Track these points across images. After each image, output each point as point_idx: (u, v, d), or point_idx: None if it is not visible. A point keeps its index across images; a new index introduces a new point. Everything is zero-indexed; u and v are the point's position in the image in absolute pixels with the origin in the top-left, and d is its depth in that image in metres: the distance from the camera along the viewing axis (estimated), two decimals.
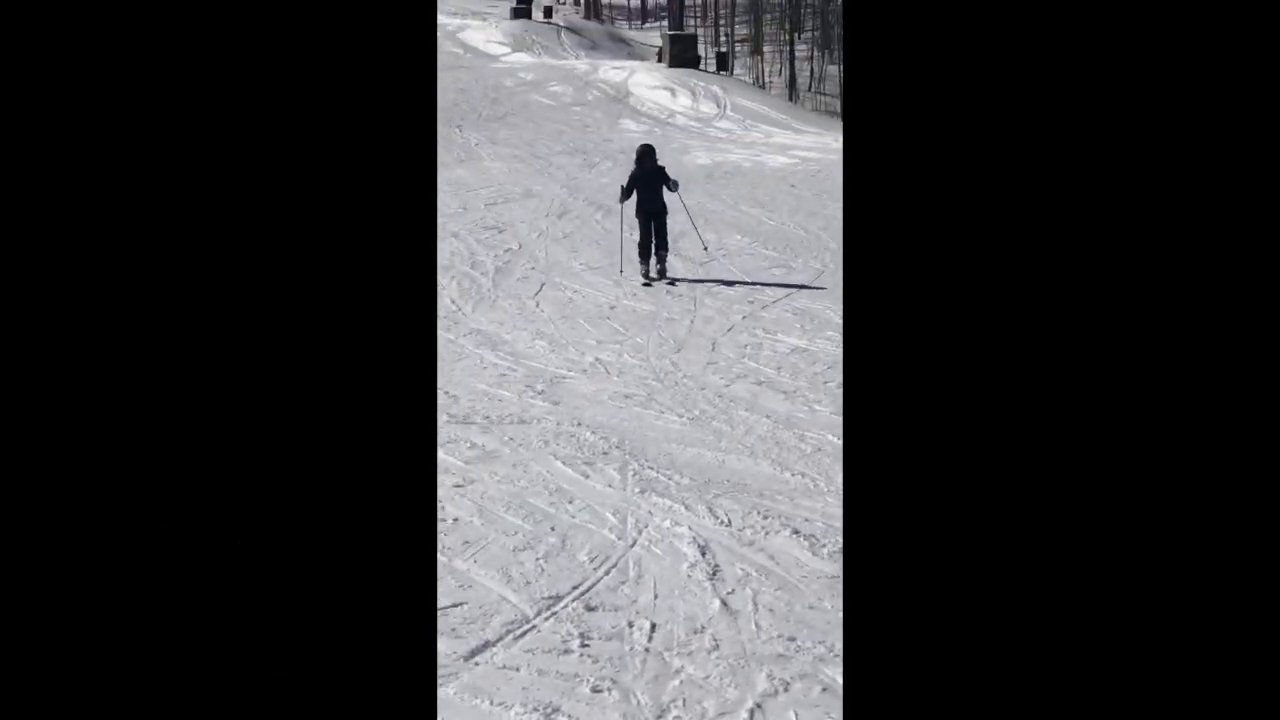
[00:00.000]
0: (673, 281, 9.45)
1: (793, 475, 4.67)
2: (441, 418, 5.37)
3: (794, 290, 8.74)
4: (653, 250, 10.03)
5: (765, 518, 4.11)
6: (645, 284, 9.54)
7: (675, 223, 10.25)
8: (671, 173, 10.48)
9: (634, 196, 10.21)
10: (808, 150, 20.34)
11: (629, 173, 10.51)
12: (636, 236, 10.04)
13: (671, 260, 9.98)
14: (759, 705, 2.81)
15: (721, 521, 4.07)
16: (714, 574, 3.60)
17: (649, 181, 10.14)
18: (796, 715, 2.76)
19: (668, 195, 10.13)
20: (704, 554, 3.76)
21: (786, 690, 2.89)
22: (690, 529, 3.98)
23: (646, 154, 10.52)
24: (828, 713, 2.78)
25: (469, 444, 4.98)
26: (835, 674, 2.96)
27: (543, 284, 9.26)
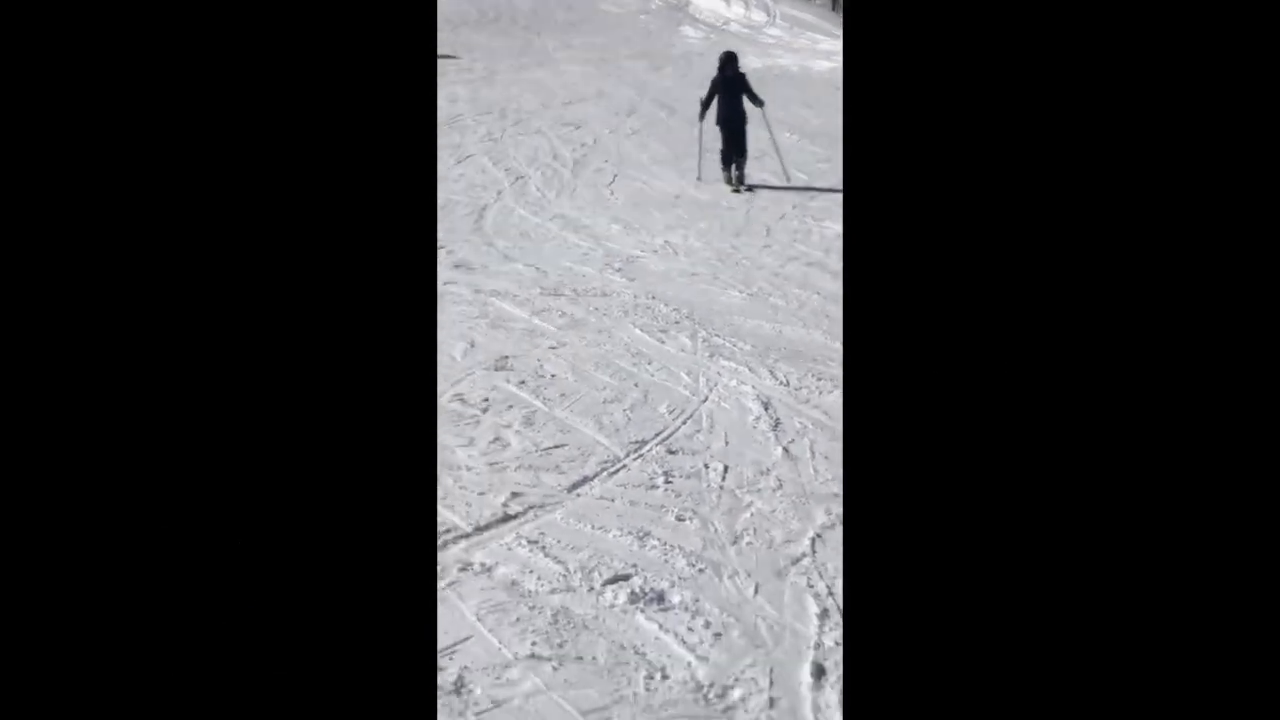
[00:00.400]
0: (751, 188, 8.51)
1: (841, 343, 4.68)
2: (534, 290, 5.41)
3: (838, 183, 8.58)
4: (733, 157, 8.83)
5: (819, 379, 4.14)
6: (735, 190, 8.49)
7: (756, 139, 8.99)
8: (753, 84, 9.04)
9: (714, 105, 8.90)
10: None
11: (710, 80, 9.11)
12: (719, 145, 8.88)
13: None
14: (819, 535, 2.88)
15: (781, 382, 4.11)
16: (776, 426, 3.66)
17: (730, 89, 8.91)
18: None
19: (749, 107, 8.82)
20: (766, 409, 3.81)
21: (842, 524, 2.95)
22: (754, 388, 4.02)
23: (729, 60, 9.11)
24: None
25: (559, 313, 5.03)
26: None
27: (615, 175, 9.16)
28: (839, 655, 2.32)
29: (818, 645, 2.36)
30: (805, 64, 17.67)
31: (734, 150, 8.87)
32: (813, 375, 4.18)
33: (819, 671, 2.26)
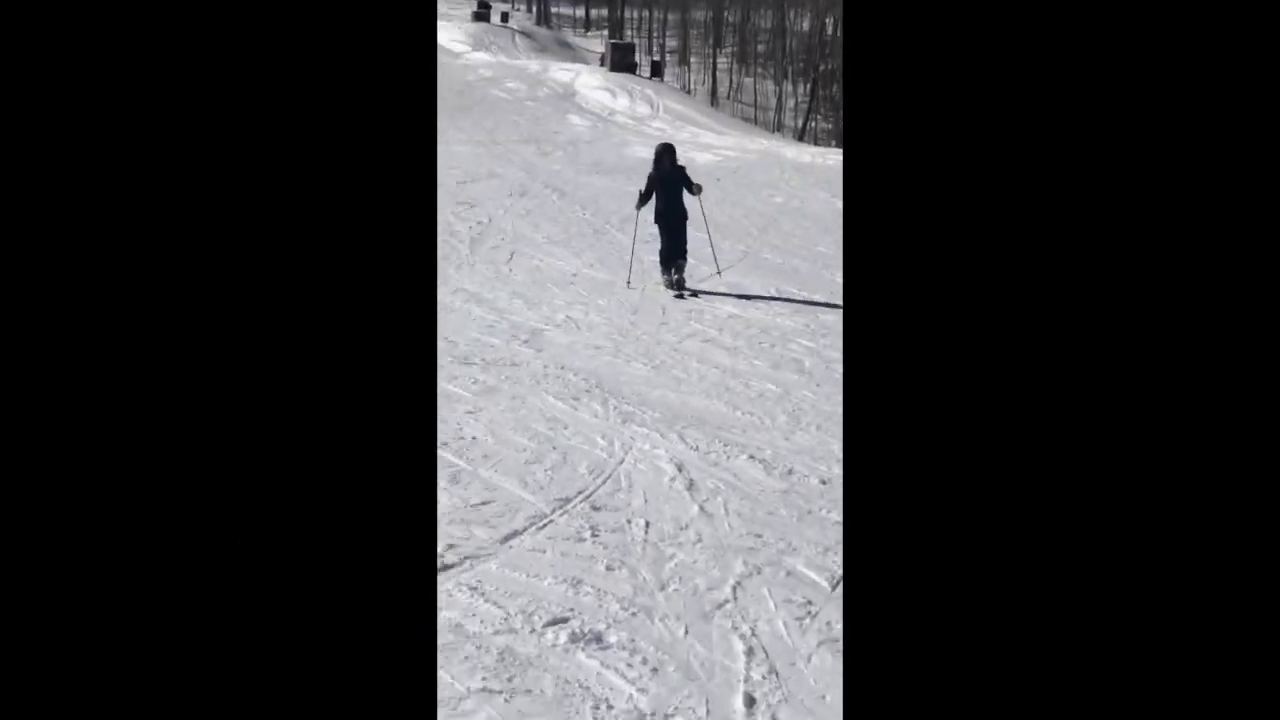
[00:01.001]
0: (696, 293, 7.94)
1: (743, 414, 4.97)
2: (446, 358, 5.55)
3: (726, 268, 9.02)
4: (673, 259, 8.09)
5: (725, 445, 4.40)
6: (677, 295, 7.81)
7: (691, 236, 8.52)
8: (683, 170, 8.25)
9: (652, 201, 8.21)
10: (728, 149, 20.61)
11: (646, 175, 8.35)
12: (658, 245, 8.30)
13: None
14: (739, 583, 3.10)
15: (691, 446, 4.36)
16: (690, 486, 3.89)
17: (668, 185, 8.14)
18: (769, 591, 3.06)
19: (688, 199, 8.17)
20: (680, 470, 4.04)
21: (759, 573, 3.18)
22: (666, 451, 4.25)
23: (665, 153, 8.25)
24: (793, 590, 3.08)
25: (473, 380, 5.18)
26: (795, 562, 3.27)
27: (512, 253, 9.41)
28: (766, 688, 2.52)
29: (746, 679, 2.56)
30: (687, 155, 18.37)
31: (674, 251, 8.15)
32: (719, 441, 4.45)
33: (750, 701, 2.46)
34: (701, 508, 3.68)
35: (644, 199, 8.31)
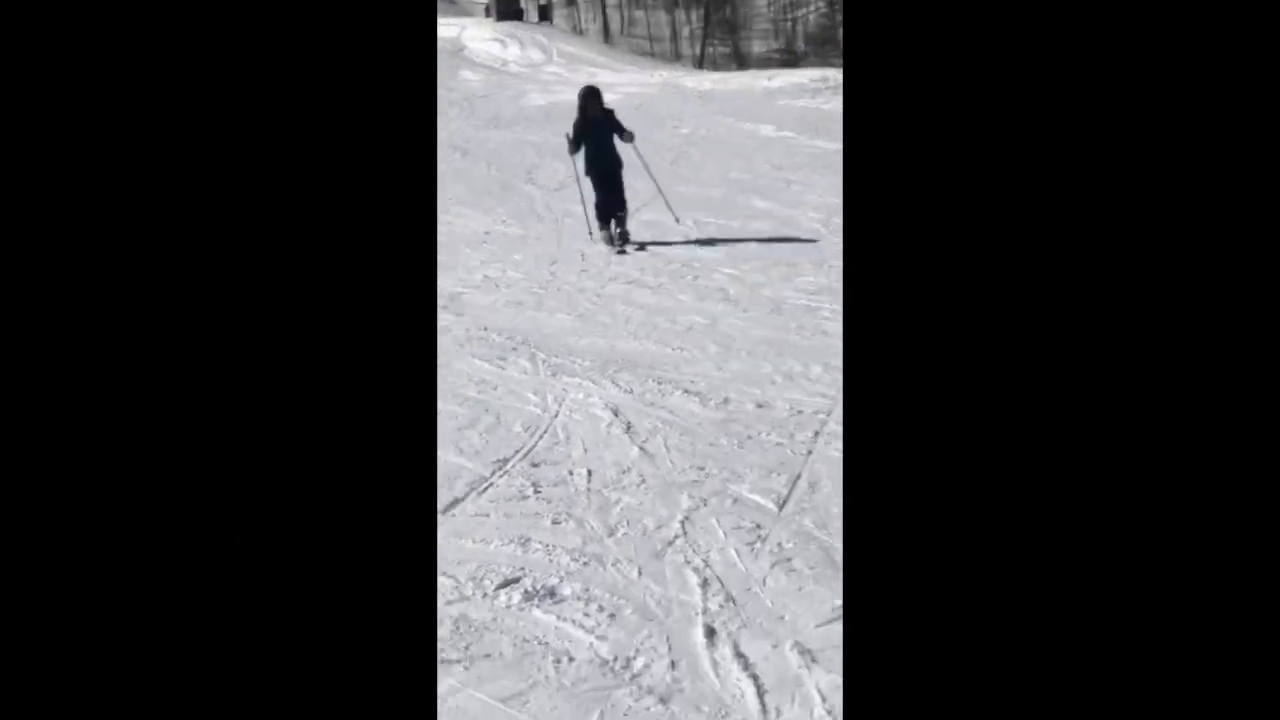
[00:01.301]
0: (642, 246, 7.41)
1: (672, 350, 4.96)
2: None
3: (639, 206, 8.97)
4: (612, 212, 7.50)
5: (659, 383, 4.40)
6: (620, 252, 7.27)
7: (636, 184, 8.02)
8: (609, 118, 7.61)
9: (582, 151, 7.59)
10: (628, 86, 20.42)
11: (572, 122, 7.67)
12: (593, 197, 7.71)
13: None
14: (687, 517, 3.11)
15: (624, 390, 4.34)
16: (628, 429, 3.88)
17: (597, 132, 7.48)
18: (717, 521, 3.07)
19: (620, 146, 7.58)
20: (616, 415, 4.03)
21: (705, 505, 3.20)
22: (600, 398, 4.23)
23: (590, 97, 7.60)
24: (740, 517, 3.10)
25: None
26: (740, 489, 3.29)
27: None
28: (725, 617, 2.54)
29: (704, 610, 2.58)
30: None
31: (612, 203, 7.56)
32: (653, 380, 4.44)
33: (710, 632, 2.48)
34: (642, 448, 3.68)
35: (575, 145, 7.63)
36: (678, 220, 8.04)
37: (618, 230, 7.59)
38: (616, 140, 7.59)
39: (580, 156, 7.70)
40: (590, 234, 7.81)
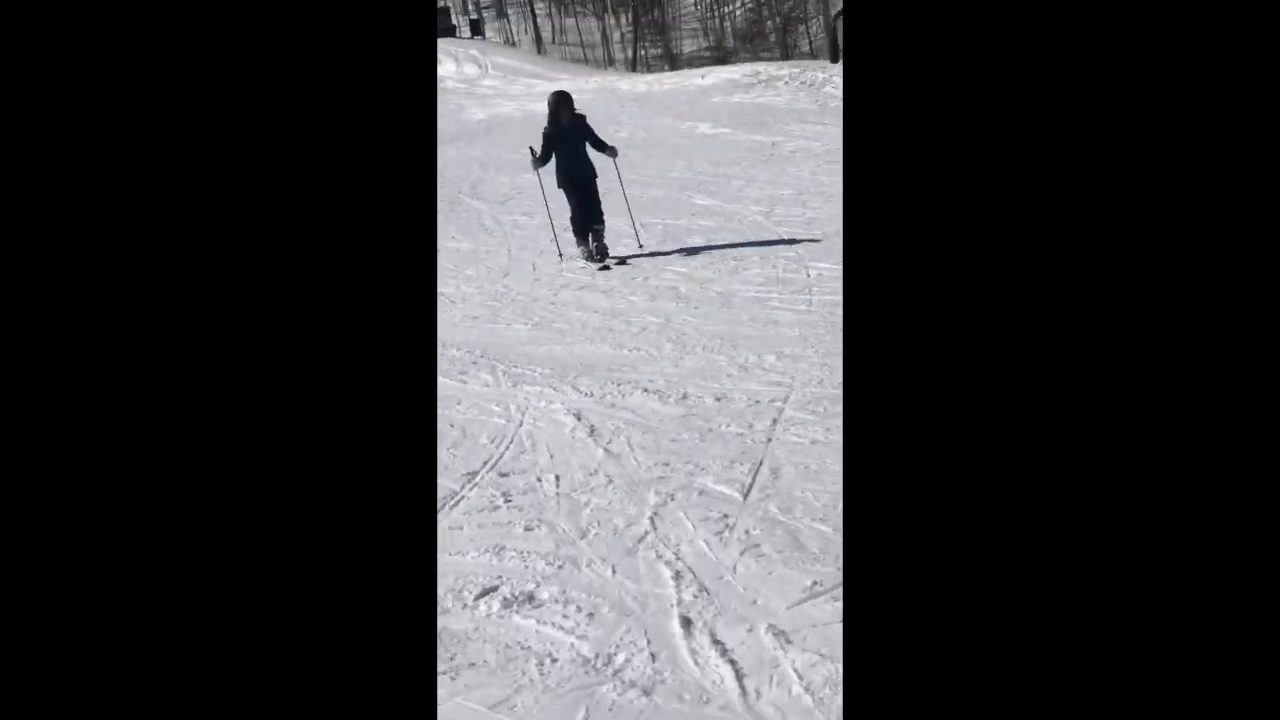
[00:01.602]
0: (623, 260, 7.02)
1: (629, 351, 5.02)
2: None
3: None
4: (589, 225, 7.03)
5: (619, 385, 4.46)
6: (602, 268, 6.81)
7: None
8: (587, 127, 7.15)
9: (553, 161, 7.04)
10: None
11: (542, 131, 7.16)
12: (567, 213, 7.26)
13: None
14: (655, 513, 3.17)
15: (585, 394, 4.40)
16: (592, 432, 3.93)
17: (569, 140, 6.99)
18: (685, 514, 3.14)
19: (596, 157, 7.07)
20: (579, 419, 4.08)
21: (673, 499, 3.26)
22: (562, 404, 4.28)
23: (560, 103, 7.05)
24: (708, 508, 3.17)
25: None
26: (705, 481, 3.36)
27: None
28: (699, 606, 2.60)
29: (679, 602, 2.64)
30: (526, 108, 18.20)
31: (588, 216, 7.08)
32: (612, 382, 4.50)
33: (686, 623, 2.54)
34: (606, 450, 3.73)
35: (543, 158, 7.07)
36: (641, 246, 7.45)
37: (595, 245, 7.11)
38: (590, 150, 7.10)
39: (548, 168, 7.15)
40: (560, 254, 7.30)
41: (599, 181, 7.26)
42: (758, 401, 4.10)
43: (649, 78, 24.45)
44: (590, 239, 7.15)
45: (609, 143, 7.32)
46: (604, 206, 7.30)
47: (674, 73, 24.46)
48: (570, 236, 7.38)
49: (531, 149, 7.16)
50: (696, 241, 7.63)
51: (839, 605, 2.53)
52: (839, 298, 5.70)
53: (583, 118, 7.18)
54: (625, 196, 7.68)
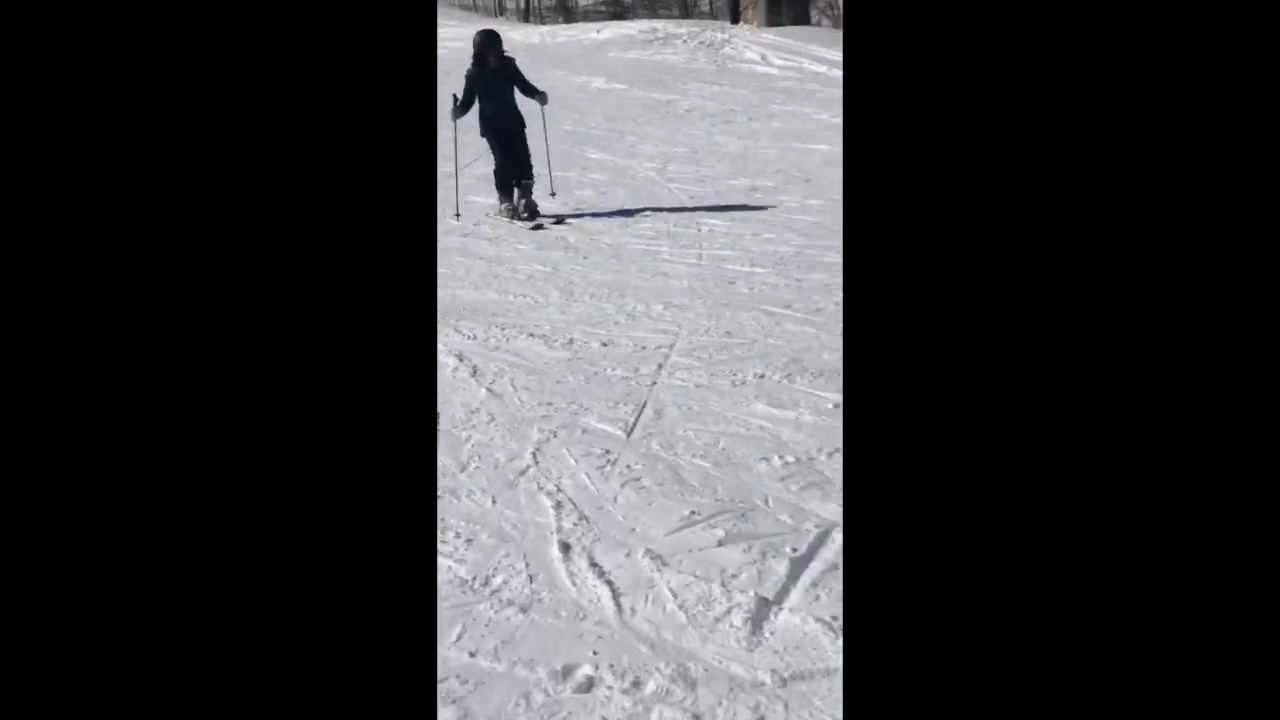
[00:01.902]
0: (561, 220, 6.63)
1: (514, 297, 5.06)
2: None
3: (475, 160, 8.95)
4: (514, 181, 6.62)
5: (503, 329, 4.50)
6: (534, 227, 6.39)
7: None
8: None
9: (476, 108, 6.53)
10: (454, 41, 19.96)
11: (465, 74, 6.58)
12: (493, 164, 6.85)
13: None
14: (538, 449, 3.24)
15: (468, 336, 4.42)
16: (474, 372, 3.97)
17: (496, 85, 6.44)
18: (568, 450, 3.22)
19: (525, 105, 6.59)
20: (461, 360, 4.11)
21: (555, 436, 3.33)
22: (444, 345, 4.30)
23: (487, 43, 6.41)
24: (590, 445, 3.25)
25: None
26: (589, 420, 3.44)
27: None
28: (579, 533, 2.69)
29: (559, 529, 2.72)
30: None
31: (513, 168, 6.61)
32: (496, 326, 4.53)
33: (565, 548, 2.62)
34: (489, 389, 3.78)
35: (464, 106, 6.47)
36: (553, 194, 7.22)
37: (522, 200, 6.62)
38: (518, 96, 6.53)
39: (470, 114, 6.57)
40: (457, 214, 6.72)
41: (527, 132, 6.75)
42: (644, 348, 4.20)
43: (543, 29, 24.19)
44: (517, 194, 6.66)
45: (540, 88, 6.79)
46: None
47: (569, 26, 24.25)
48: (484, 190, 6.92)
49: (455, 95, 6.48)
50: (587, 194, 7.68)
51: (716, 532, 2.65)
52: (730, 252, 5.84)
53: (511, 60, 6.57)
54: (547, 146, 7.27)
